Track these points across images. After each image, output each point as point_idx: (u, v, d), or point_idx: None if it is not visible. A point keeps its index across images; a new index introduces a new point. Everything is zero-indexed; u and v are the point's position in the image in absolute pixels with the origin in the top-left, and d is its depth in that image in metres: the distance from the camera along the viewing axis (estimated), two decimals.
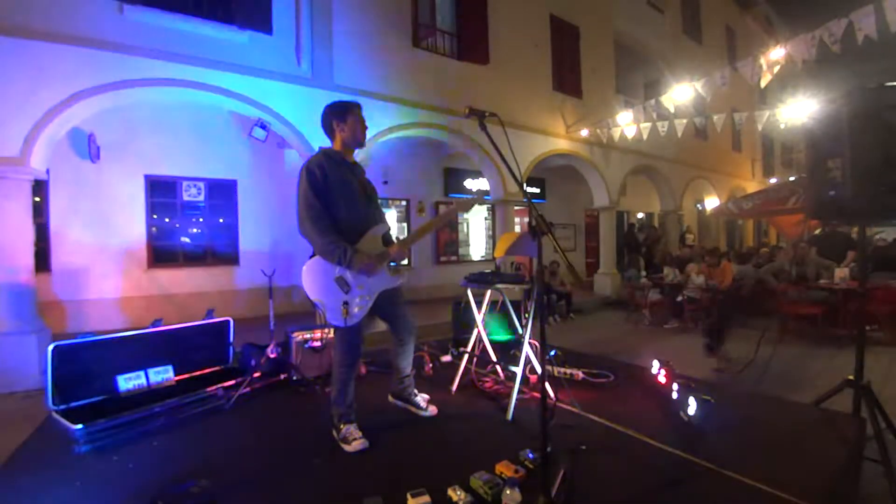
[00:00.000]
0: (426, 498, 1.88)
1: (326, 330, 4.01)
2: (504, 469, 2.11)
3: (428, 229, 2.78)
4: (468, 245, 11.30)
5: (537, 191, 12.19)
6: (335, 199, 2.40)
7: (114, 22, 4.88)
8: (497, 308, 3.82)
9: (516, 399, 2.90)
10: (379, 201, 2.74)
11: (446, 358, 4.08)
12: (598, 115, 9.74)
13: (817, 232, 8.39)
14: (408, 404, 2.86)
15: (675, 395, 2.97)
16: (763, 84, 6.08)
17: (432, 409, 2.82)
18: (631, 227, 13.61)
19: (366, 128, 2.62)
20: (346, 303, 2.34)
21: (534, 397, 3.08)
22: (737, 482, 2.02)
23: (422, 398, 2.87)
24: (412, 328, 2.78)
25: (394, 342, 2.80)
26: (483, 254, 11.45)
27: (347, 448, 2.38)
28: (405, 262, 8.68)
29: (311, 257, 2.45)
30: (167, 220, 7.34)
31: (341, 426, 2.47)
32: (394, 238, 2.72)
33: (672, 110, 7.63)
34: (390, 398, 2.96)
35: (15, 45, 4.35)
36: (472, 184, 10.84)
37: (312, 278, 2.40)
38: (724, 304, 6.38)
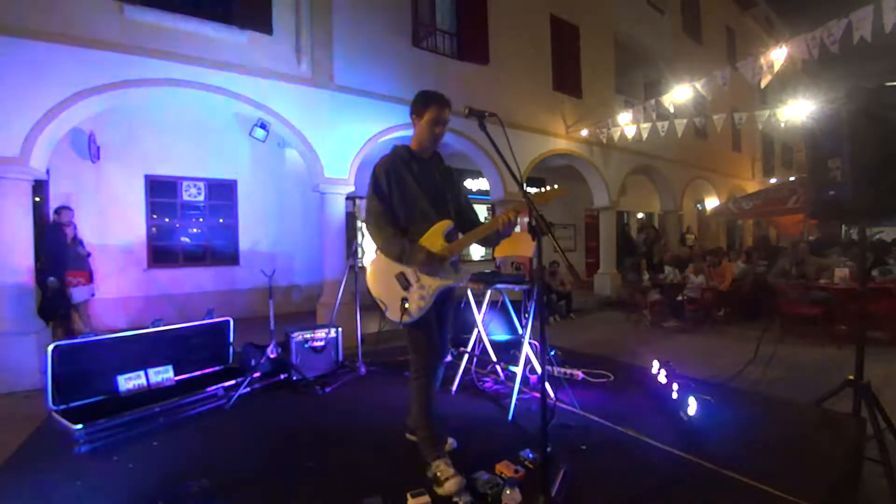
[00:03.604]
0: (426, 498, 1.88)
1: (327, 329, 4.02)
2: (504, 469, 2.12)
3: (485, 230, 2.30)
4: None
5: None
6: (398, 203, 2.27)
7: (114, 22, 4.88)
8: (497, 308, 3.82)
9: (516, 399, 2.91)
10: (458, 193, 2.47)
11: (446, 358, 4.08)
12: (598, 116, 9.73)
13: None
14: None
15: (675, 395, 2.97)
16: (763, 84, 6.08)
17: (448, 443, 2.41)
18: (625, 228, 13.48)
19: (441, 131, 2.33)
20: (404, 300, 2.21)
21: (534, 397, 3.08)
22: (737, 482, 2.03)
23: None
24: (443, 353, 2.48)
25: None
26: (483, 253, 11.44)
27: (439, 490, 1.99)
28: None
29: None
30: (167, 219, 7.32)
31: (431, 461, 2.11)
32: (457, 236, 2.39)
33: (672, 110, 7.62)
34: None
35: (15, 45, 4.34)
36: (472, 184, 10.83)
37: (374, 275, 2.32)
38: None
